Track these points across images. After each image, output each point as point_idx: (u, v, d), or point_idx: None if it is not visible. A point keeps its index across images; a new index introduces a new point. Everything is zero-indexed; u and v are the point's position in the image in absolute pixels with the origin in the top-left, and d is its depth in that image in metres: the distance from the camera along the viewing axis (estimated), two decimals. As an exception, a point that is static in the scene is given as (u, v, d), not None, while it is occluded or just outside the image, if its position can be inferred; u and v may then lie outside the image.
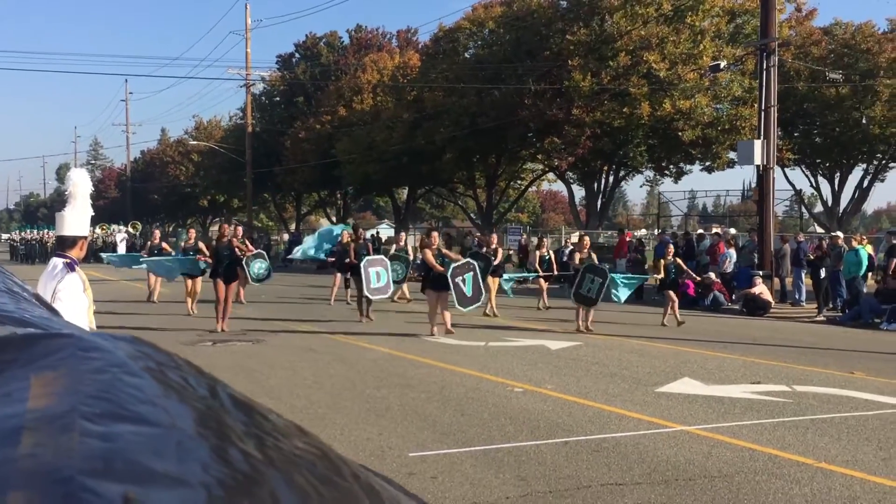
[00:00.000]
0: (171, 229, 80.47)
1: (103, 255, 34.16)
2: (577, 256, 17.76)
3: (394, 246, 24.71)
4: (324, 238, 24.32)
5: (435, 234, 17.05)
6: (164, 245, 23.65)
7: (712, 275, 23.80)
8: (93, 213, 5.76)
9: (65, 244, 5.53)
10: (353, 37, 61.15)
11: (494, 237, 22.02)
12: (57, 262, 5.42)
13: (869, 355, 14.54)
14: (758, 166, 23.84)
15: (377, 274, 17.94)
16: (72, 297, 5.23)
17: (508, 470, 7.01)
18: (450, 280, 15.51)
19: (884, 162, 39.40)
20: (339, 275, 22.25)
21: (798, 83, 34.63)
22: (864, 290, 21.30)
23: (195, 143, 66.78)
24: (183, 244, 22.25)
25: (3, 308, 1.03)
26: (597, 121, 34.23)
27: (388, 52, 53.79)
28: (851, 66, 34.31)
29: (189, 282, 20.39)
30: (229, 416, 0.73)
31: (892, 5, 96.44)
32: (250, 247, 19.80)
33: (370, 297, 17.94)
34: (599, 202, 41.64)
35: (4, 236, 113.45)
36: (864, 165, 39.91)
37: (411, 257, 23.96)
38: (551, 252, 22.99)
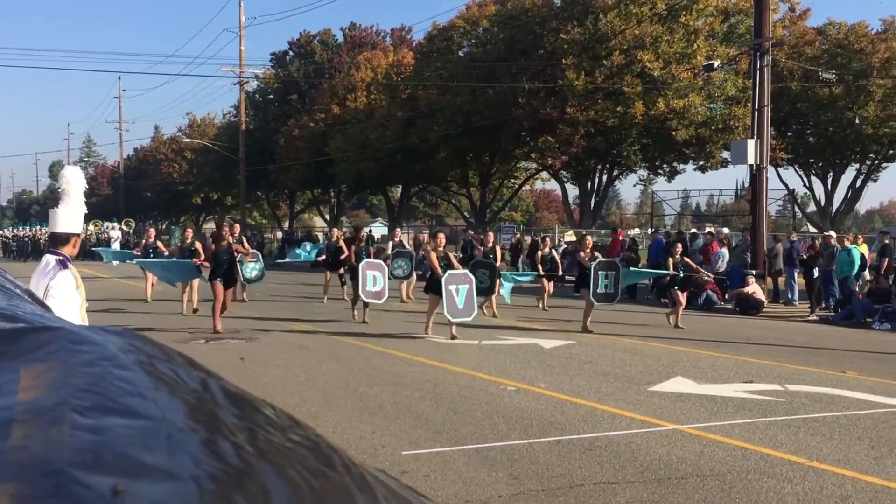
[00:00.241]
0: (164, 227, 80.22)
1: (95, 249, 33.97)
2: (582, 255, 17.51)
3: (390, 243, 24.68)
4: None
5: (441, 235, 16.69)
6: (159, 244, 23.34)
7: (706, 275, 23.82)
8: (86, 211, 5.75)
9: (58, 241, 5.51)
10: (347, 35, 61.09)
11: (491, 235, 21.94)
12: (49, 260, 5.40)
13: (861, 355, 14.58)
14: (751, 166, 23.89)
15: (374, 278, 17.79)
16: (64, 295, 5.21)
17: (501, 468, 7.01)
18: (443, 286, 15.14)
19: (877, 162, 39.50)
20: (328, 273, 22.18)
21: (791, 83, 34.70)
22: (857, 289, 21.37)
23: (189, 140, 66.60)
24: (179, 244, 21.81)
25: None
26: (590, 120, 34.25)
27: (382, 50, 53.75)
28: (845, 66, 34.39)
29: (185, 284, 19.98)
30: (221, 408, 0.73)
31: (886, 6, 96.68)
32: (247, 246, 19.62)
33: (364, 299, 17.74)
34: (593, 201, 41.65)
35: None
36: (857, 165, 40.02)
37: (413, 251, 24.10)
38: (554, 251, 22.85)
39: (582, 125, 34.50)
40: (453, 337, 15.13)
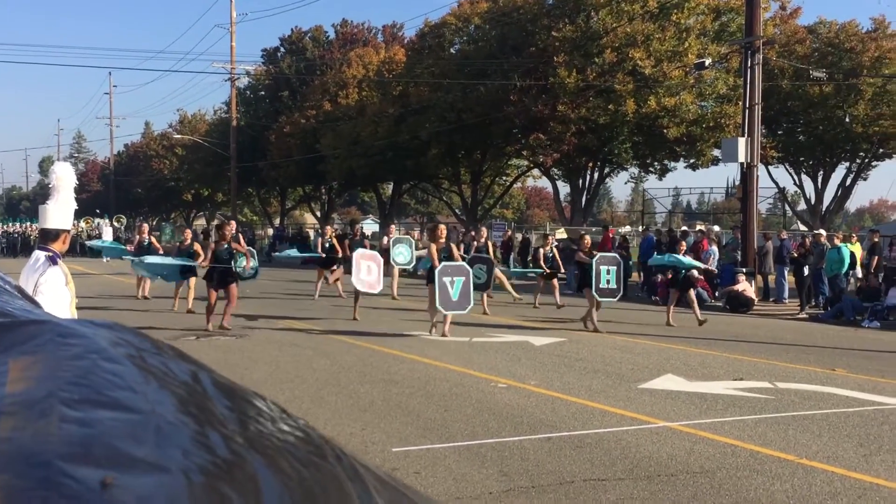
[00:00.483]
0: (154, 223, 80.00)
1: (88, 242, 33.62)
2: (581, 255, 17.23)
3: (385, 238, 24.68)
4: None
5: (442, 227, 16.33)
6: (153, 240, 22.92)
7: (695, 272, 23.84)
8: (76, 207, 5.74)
9: (48, 237, 5.50)
10: (339, 31, 61.03)
11: (484, 230, 21.93)
12: (39, 256, 5.39)
13: (850, 352, 14.64)
14: (742, 164, 23.93)
15: (368, 268, 17.71)
16: (54, 291, 5.20)
17: (491, 465, 7.02)
18: (437, 276, 14.78)
19: (866, 160, 39.64)
20: (322, 270, 22.15)
21: (782, 81, 34.79)
22: (847, 287, 21.46)
23: (179, 136, 66.47)
24: (178, 245, 21.24)
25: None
26: (582, 117, 34.26)
27: (374, 46, 53.70)
28: (835, 65, 34.49)
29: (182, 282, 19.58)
30: (211, 400, 0.73)
31: (880, 6, 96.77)
32: (243, 243, 19.43)
33: (358, 287, 17.55)
34: (584, 198, 41.68)
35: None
36: (847, 164, 40.14)
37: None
38: (555, 250, 22.72)
39: (573, 123, 34.51)
40: (444, 335, 15.04)
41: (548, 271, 21.45)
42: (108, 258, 32.01)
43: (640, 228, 38.82)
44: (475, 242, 21.37)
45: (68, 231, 5.65)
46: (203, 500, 0.59)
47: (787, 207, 48.73)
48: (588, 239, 18.22)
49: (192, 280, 19.35)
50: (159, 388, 0.70)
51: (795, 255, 23.24)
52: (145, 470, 0.59)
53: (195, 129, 68.12)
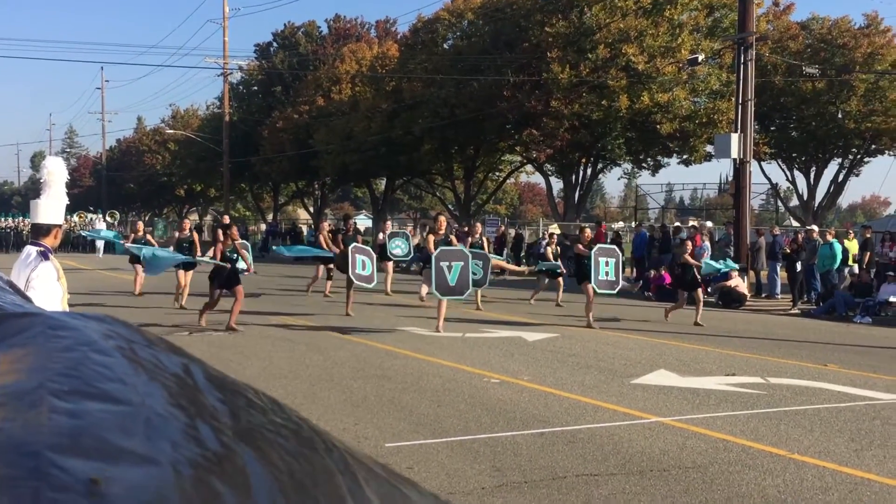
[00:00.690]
0: (147, 218, 79.81)
1: (84, 232, 33.36)
2: (580, 247, 16.92)
3: (381, 235, 24.62)
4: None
5: (442, 219, 16.15)
6: (149, 237, 22.81)
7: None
8: (67, 202, 5.72)
9: (39, 232, 5.48)
10: (332, 26, 60.94)
11: (479, 226, 21.85)
12: (31, 251, 5.37)
13: (842, 348, 14.68)
14: (734, 160, 23.97)
15: (363, 262, 17.68)
16: (45, 286, 5.18)
17: (484, 460, 7.03)
18: (433, 261, 14.51)
19: (859, 156, 39.71)
20: (321, 267, 22.08)
21: (775, 77, 34.82)
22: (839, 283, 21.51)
23: (172, 131, 66.33)
24: (178, 234, 21.11)
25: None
26: (575, 113, 34.26)
27: (367, 42, 53.65)
28: (828, 61, 34.54)
29: (182, 275, 19.32)
30: (202, 393, 0.73)
31: (886, 5, 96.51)
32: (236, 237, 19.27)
33: (354, 280, 17.52)
34: (577, 194, 41.69)
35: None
36: (840, 160, 40.21)
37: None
38: (558, 248, 22.62)
39: (566, 118, 34.51)
40: (437, 330, 15.03)
41: (562, 270, 21.36)
42: (101, 255, 31.90)
43: (633, 224, 38.84)
44: (469, 238, 21.36)
45: (60, 226, 5.63)
46: (192, 492, 0.59)
47: (779, 203, 48.81)
48: (589, 231, 17.96)
49: (189, 276, 19.29)
50: (149, 380, 0.70)
51: (788, 250, 23.29)
52: (134, 462, 0.59)
53: (188, 124, 67.95)
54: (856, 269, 22.93)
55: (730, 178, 27.29)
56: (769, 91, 34.25)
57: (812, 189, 40.84)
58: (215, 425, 0.68)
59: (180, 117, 71.62)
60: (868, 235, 23.46)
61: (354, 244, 18.02)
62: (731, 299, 22.04)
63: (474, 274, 16.30)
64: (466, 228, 23.52)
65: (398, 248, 22.97)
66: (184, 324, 15.99)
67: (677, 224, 32.42)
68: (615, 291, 17.02)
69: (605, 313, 18.42)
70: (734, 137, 23.64)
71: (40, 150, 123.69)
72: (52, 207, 5.50)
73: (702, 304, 17.75)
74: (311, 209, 62.04)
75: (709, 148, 35.22)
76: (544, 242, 28.57)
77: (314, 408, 8.95)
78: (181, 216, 76.83)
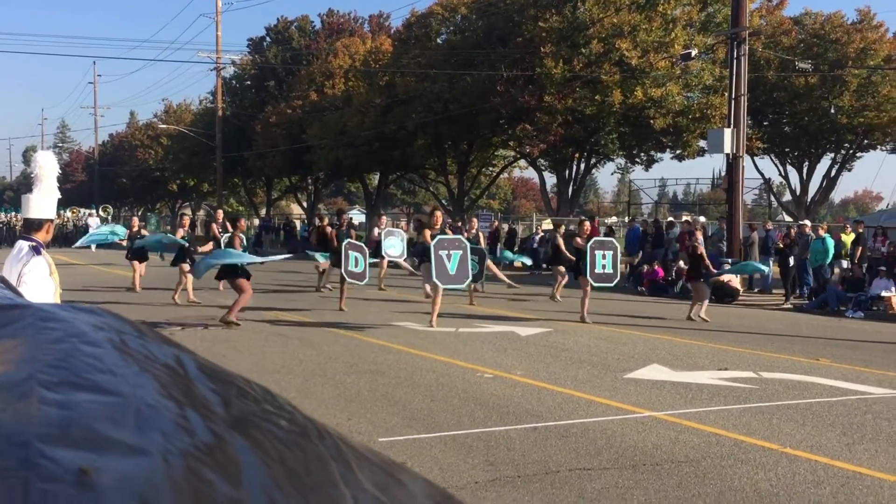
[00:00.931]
0: (139, 213, 79.64)
1: (79, 242, 33.15)
2: (578, 241, 16.74)
3: (376, 230, 24.56)
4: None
5: (438, 214, 15.94)
6: (145, 233, 22.71)
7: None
8: (59, 196, 5.70)
9: (31, 227, 5.47)
10: (325, 21, 60.86)
11: (475, 221, 21.79)
12: (23, 245, 5.36)
13: (834, 342, 14.72)
14: (727, 155, 23.98)
15: (356, 259, 17.65)
16: (37, 281, 5.17)
17: (477, 455, 7.04)
18: (432, 251, 14.32)
19: (851, 151, 39.83)
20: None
21: (768, 72, 34.89)
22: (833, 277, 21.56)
23: (164, 126, 66.14)
24: (180, 230, 21.00)
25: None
26: (568, 108, 34.27)
27: (360, 36, 53.59)
28: (821, 56, 34.62)
29: (185, 267, 19.07)
30: (193, 383, 0.73)
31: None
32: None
33: (346, 278, 17.48)
34: (570, 189, 41.71)
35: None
36: (832, 155, 40.34)
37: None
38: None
39: (560, 113, 34.53)
40: (430, 325, 15.03)
41: (528, 262, 21.42)
42: (95, 247, 31.74)
43: (627, 219, 38.91)
44: (465, 234, 21.34)
45: (52, 220, 5.62)
46: (183, 482, 0.60)
47: (772, 198, 48.97)
48: (587, 225, 17.79)
49: (189, 278, 19.15)
50: (140, 370, 0.70)
51: (780, 245, 23.32)
52: (124, 453, 0.59)
53: (181, 118, 67.83)
54: (845, 263, 22.96)
55: (723, 173, 27.37)
56: (762, 86, 34.30)
57: (805, 184, 40.95)
58: (206, 415, 0.68)
59: (173, 112, 71.49)
60: (860, 230, 23.52)
61: (348, 240, 17.99)
62: (723, 294, 22.05)
63: (471, 269, 16.21)
64: (460, 224, 23.51)
65: (392, 247, 22.94)
66: (173, 319, 15.96)
67: (670, 219, 32.44)
68: (612, 285, 16.90)
69: (597, 308, 18.41)
70: (727, 132, 23.66)
71: (32, 144, 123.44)
72: (43, 202, 5.48)
73: (706, 299, 17.92)
74: (305, 204, 61.99)
75: (702, 143, 35.25)
76: (538, 237, 28.65)
77: (307, 403, 8.94)
78: (174, 211, 76.80)
